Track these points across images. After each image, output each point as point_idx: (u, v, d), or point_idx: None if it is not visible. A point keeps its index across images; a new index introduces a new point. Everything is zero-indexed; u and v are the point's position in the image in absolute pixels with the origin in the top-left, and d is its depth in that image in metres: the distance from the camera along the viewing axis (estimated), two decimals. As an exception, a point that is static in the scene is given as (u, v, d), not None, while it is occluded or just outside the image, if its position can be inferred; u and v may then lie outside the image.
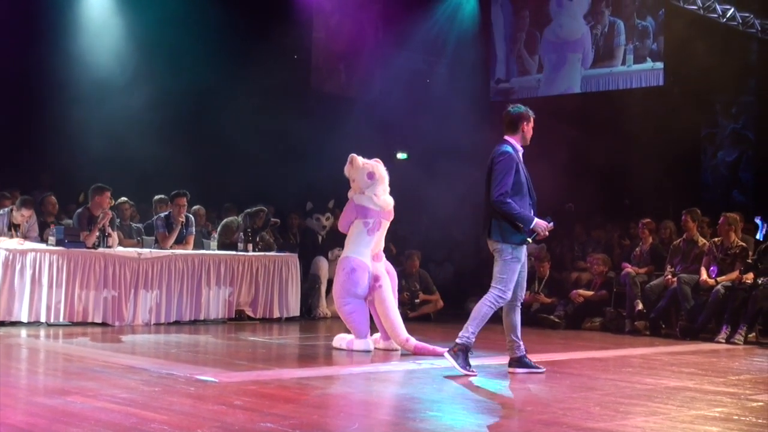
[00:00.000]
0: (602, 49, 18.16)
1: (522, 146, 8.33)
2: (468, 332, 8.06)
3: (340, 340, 9.66)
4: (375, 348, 9.56)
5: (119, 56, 15.36)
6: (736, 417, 6.31)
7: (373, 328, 9.69)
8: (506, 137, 8.28)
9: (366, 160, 9.70)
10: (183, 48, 15.23)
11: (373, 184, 9.60)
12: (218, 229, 13.12)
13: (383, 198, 9.62)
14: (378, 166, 9.69)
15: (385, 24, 19.12)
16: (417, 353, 9.23)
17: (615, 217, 16.01)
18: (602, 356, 10.09)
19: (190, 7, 15.11)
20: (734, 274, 11.99)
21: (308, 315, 13.45)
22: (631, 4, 17.73)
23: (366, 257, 9.50)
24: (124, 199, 13.08)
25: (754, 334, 11.91)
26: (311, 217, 14.20)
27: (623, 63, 17.79)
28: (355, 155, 9.70)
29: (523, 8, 19.48)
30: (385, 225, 9.67)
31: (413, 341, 9.35)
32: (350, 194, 9.73)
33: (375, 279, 9.44)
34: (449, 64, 20.05)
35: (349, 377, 7.94)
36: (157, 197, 13.34)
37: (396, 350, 9.51)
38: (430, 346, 9.32)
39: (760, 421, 6.21)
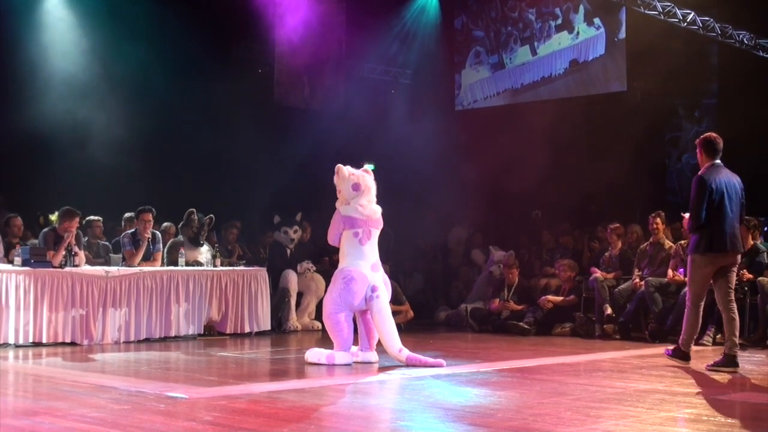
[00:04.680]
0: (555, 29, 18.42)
1: None
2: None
3: (317, 354, 9.47)
4: (353, 361, 9.52)
5: (80, 73, 15.23)
6: (706, 417, 6.36)
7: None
8: (719, 161, 9.29)
9: (353, 171, 9.71)
10: (146, 64, 15.16)
11: (358, 194, 9.60)
12: (165, 249, 12.92)
13: (369, 207, 9.62)
14: (364, 177, 9.68)
15: (349, 36, 19.15)
16: (409, 364, 9.20)
17: (582, 224, 16.08)
18: (572, 361, 10.14)
19: (152, 23, 15.06)
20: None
21: (279, 329, 13.41)
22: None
23: (364, 268, 9.46)
24: (94, 217, 12.96)
25: (721, 335, 11.98)
26: (279, 230, 14.16)
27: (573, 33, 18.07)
28: (341, 166, 9.70)
29: (487, 24, 19.56)
30: (375, 234, 9.65)
31: (406, 352, 9.30)
32: (337, 205, 9.74)
33: (372, 289, 9.41)
34: (413, 75, 20.10)
35: (320, 389, 7.92)
36: (126, 215, 13.28)
37: (374, 362, 9.50)
38: (423, 358, 9.31)
39: (729, 421, 6.26)
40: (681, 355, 9.38)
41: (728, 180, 9.22)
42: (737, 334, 9.22)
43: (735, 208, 9.17)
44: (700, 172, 9.27)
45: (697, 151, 9.44)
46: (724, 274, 9.22)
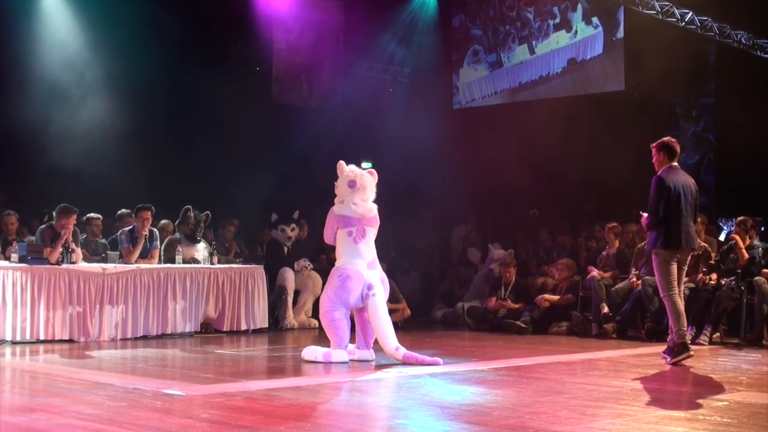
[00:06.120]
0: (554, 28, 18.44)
1: None
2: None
3: (314, 352, 9.48)
4: (350, 359, 9.51)
5: (76, 70, 15.19)
6: (702, 417, 6.36)
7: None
8: (676, 163, 9.80)
9: (353, 169, 9.70)
10: (143, 62, 15.14)
11: (353, 192, 9.59)
12: (162, 247, 12.91)
13: (362, 205, 9.60)
14: (362, 175, 9.65)
15: (347, 35, 19.13)
16: (406, 362, 9.18)
17: (579, 223, 16.08)
18: (569, 360, 10.15)
19: (151, 20, 15.01)
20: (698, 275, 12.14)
21: (275, 326, 13.42)
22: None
23: (360, 266, 9.45)
24: (94, 215, 12.93)
25: (718, 334, 12.03)
26: (276, 228, 14.17)
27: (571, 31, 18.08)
28: (342, 162, 9.71)
29: (485, 23, 19.55)
30: (371, 232, 9.63)
31: (403, 350, 9.28)
32: (336, 202, 9.73)
33: (369, 288, 9.39)
34: (411, 73, 20.09)
35: (317, 387, 7.92)
36: (120, 212, 13.27)
37: (370, 361, 9.50)
38: (420, 356, 9.29)
39: (725, 420, 6.26)
40: (681, 348, 9.50)
41: (684, 181, 9.74)
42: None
43: (690, 208, 9.68)
44: (659, 173, 9.74)
45: (656, 153, 9.90)
46: (677, 269, 9.73)
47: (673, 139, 9.96)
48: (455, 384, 8.00)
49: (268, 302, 13.20)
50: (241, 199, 15.64)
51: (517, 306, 13.57)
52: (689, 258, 10.01)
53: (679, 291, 9.79)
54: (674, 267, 9.65)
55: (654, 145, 9.96)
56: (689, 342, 9.61)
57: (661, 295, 9.80)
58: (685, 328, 9.61)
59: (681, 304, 9.60)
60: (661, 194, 9.59)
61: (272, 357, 10.54)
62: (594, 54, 17.80)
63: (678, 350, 9.48)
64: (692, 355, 9.47)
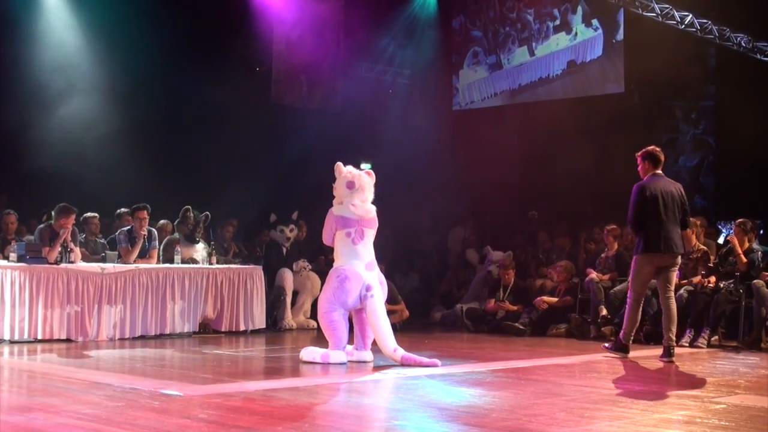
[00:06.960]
0: (553, 30, 18.45)
1: None
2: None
3: (312, 353, 9.46)
4: (348, 360, 9.51)
5: (75, 69, 15.19)
6: (699, 420, 6.36)
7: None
8: (660, 171, 10.22)
9: (351, 170, 9.69)
10: (143, 61, 15.13)
11: (352, 193, 9.57)
12: (161, 247, 12.89)
13: (361, 206, 9.59)
14: (360, 176, 9.64)
15: (347, 36, 19.13)
16: (404, 364, 9.17)
17: (578, 225, 16.07)
18: (567, 362, 10.15)
19: (151, 20, 15.01)
20: (696, 278, 12.12)
21: (274, 327, 13.41)
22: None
23: (358, 267, 9.43)
24: (91, 214, 12.94)
25: (716, 337, 12.01)
26: (275, 229, 14.16)
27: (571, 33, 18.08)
28: (340, 163, 9.69)
29: (485, 24, 19.56)
30: (369, 233, 9.61)
31: (401, 351, 9.27)
32: (335, 203, 9.72)
33: (367, 289, 9.37)
34: (411, 75, 20.09)
35: (314, 388, 7.92)
36: (119, 210, 13.26)
37: (368, 362, 9.50)
38: (418, 357, 9.29)
39: (722, 423, 6.26)
40: (621, 347, 10.29)
41: (666, 188, 10.14)
42: (674, 329, 10.11)
43: (671, 214, 10.02)
44: (641, 181, 10.22)
45: (640, 162, 10.37)
46: (664, 274, 10.13)
47: (657, 149, 10.37)
48: (453, 385, 8.00)
49: (267, 303, 13.20)
50: (240, 200, 15.63)
51: (515, 308, 13.55)
52: (678, 262, 10.28)
53: (669, 294, 10.15)
54: (649, 274, 10.12)
55: (638, 154, 10.36)
56: (628, 345, 10.30)
57: (628, 294, 10.32)
58: (632, 333, 10.26)
59: (639, 313, 10.24)
60: (639, 202, 10.04)
61: (270, 358, 10.54)
62: (594, 56, 17.81)
63: (617, 347, 10.34)
64: (626, 357, 10.17)
